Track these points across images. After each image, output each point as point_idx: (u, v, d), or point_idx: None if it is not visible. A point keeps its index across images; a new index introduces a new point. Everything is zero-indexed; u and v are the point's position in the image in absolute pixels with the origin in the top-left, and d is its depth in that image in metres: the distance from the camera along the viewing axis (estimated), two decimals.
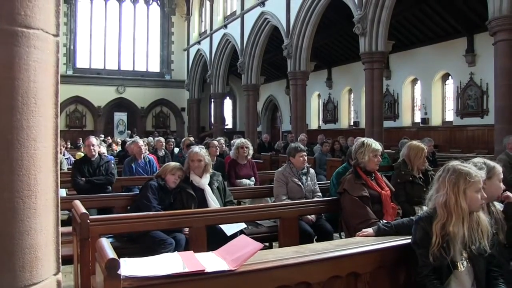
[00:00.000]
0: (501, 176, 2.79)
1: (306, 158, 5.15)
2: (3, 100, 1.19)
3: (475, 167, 2.50)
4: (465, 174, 2.36)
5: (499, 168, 2.81)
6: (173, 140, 12.48)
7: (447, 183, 2.39)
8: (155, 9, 29.26)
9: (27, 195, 1.24)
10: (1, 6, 1.16)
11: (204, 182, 4.51)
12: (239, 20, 20.61)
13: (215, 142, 7.57)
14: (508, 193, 2.95)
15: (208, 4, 25.20)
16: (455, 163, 2.47)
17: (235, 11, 21.77)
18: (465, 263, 2.33)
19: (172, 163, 4.87)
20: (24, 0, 1.20)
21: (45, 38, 1.28)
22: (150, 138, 14.70)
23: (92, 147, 6.18)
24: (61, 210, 1.43)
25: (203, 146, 5.08)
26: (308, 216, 4.71)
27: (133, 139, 8.68)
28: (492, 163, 2.80)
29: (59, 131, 1.36)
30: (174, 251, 3.67)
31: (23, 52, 1.22)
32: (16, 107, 1.21)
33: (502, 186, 2.80)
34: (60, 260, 1.37)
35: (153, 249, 3.90)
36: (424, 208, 2.66)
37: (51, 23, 1.30)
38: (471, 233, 2.34)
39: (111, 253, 1.94)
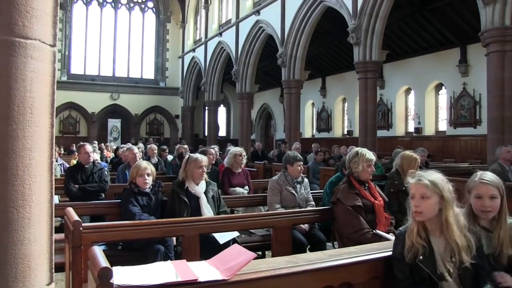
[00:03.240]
0: (476, 191, 2.58)
1: (302, 167, 5.17)
2: None
3: (423, 174, 2.45)
4: None
5: (473, 183, 2.62)
6: (166, 147, 12.39)
7: None
8: (151, 16, 29.32)
9: (21, 204, 1.24)
10: None
11: (200, 190, 4.49)
12: (234, 28, 20.67)
13: (212, 150, 7.55)
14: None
15: (203, 12, 25.27)
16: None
17: (230, 19, 21.84)
18: (451, 275, 2.32)
19: (137, 164, 4.67)
20: (22, 11, 1.21)
21: (42, 48, 1.29)
22: (141, 145, 14.70)
23: (90, 154, 6.17)
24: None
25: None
26: (302, 225, 4.71)
27: (128, 146, 8.66)
28: (472, 178, 2.64)
29: (54, 141, 1.36)
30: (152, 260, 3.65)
31: (20, 62, 1.22)
32: (12, 117, 1.22)
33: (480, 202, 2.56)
34: (53, 270, 1.37)
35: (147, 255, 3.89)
36: None
37: (48, 33, 1.31)
38: (451, 247, 2.32)
39: (103, 262, 1.94)
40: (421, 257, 2.32)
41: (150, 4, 29.30)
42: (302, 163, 5.16)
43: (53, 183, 1.38)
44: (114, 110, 27.73)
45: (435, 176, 2.42)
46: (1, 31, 1.18)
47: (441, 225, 2.37)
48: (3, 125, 1.20)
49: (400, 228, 2.57)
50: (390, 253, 2.59)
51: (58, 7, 1.34)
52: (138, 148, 8.29)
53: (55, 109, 1.37)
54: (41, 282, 1.32)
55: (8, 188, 1.21)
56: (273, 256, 4.09)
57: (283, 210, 4.69)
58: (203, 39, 24.88)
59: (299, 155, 5.29)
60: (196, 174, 4.50)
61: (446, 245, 2.35)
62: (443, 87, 16.82)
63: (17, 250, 1.23)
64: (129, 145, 10.11)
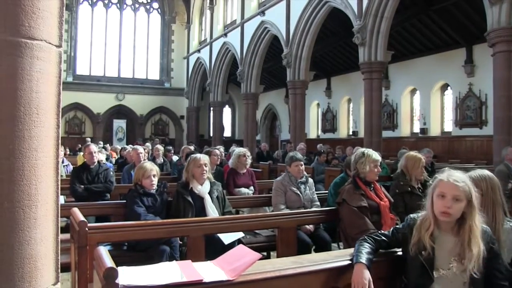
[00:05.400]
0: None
1: (302, 167, 5.14)
2: (5, 110, 1.20)
3: (460, 176, 2.34)
4: (436, 177, 2.39)
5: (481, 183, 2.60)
6: (171, 148, 12.40)
7: None
8: (156, 17, 29.38)
9: (27, 205, 1.24)
10: (5, 18, 1.18)
11: (205, 190, 4.49)
12: (239, 29, 20.69)
13: (217, 151, 7.54)
14: None
15: (208, 12, 25.31)
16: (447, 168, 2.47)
17: (235, 20, 21.86)
18: (452, 272, 2.29)
19: (143, 166, 4.63)
20: (28, 12, 1.21)
21: (48, 49, 1.29)
22: (148, 144, 14.73)
23: (94, 154, 6.19)
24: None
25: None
26: (307, 226, 4.70)
27: (135, 146, 8.66)
28: (479, 177, 2.62)
29: (60, 141, 1.37)
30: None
31: (26, 63, 1.23)
32: (18, 117, 1.22)
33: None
34: (59, 270, 1.37)
35: (151, 256, 3.90)
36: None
37: (54, 34, 1.31)
38: (458, 246, 2.29)
39: (109, 262, 1.94)
40: (423, 252, 2.32)
41: (155, 5, 29.37)
42: (301, 162, 5.13)
43: (59, 183, 1.39)
44: (119, 111, 27.80)
45: (465, 178, 2.34)
46: (7, 32, 1.19)
47: (455, 226, 2.33)
48: (9, 126, 1.21)
49: (411, 217, 2.51)
50: (394, 254, 2.59)
51: (64, 8, 1.35)
52: (144, 149, 8.29)
53: (61, 110, 1.38)
54: (47, 282, 1.32)
55: (15, 188, 1.22)
56: (278, 256, 4.09)
57: (288, 211, 4.68)
58: (208, 40, 24.91)
59: (298, 154, 5.28)
60: (196, 173, 4.51)
61: (456, 246, 2.32)
62: (449, 88, 16.74)
63: (24, 250, 1.24)
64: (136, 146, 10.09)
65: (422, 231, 2.35)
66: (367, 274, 2.29)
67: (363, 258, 2.35)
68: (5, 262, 1.20)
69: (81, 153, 11.11)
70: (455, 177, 2.31)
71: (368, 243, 2.50)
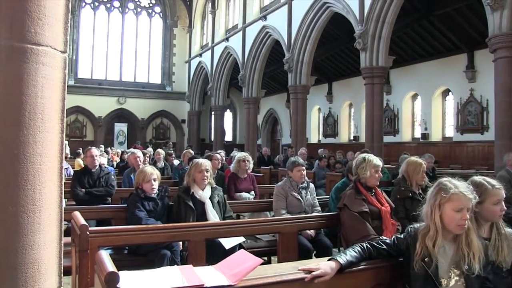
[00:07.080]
0: (497, 198, 2.50)
1: (304, 172, 5.14)
2: (10, 115, 1.21)
3: (466, 186, 2.37)
4: (443, 188, 2.37)
5: (493, 190, 2.53)
6: (172, 152, 12.40)
7: (429, 195, 2.45)
8: (158, 21, 29.46)
9: (31, 209, 1.25)
10: (12, 24, 1.19)
11: (206, 195, 4.49)
12: (240, 33, 20.73)
13: (218, 156, 7.54)
14: None
15: (210, 17, 25.39)
16: (445, 178, 2.46)
17: (237, 24, 21.90)
18: (453, 281, 2.31)
19: (143, 170, 4.61)
20: (34, 18, 1.22)
21: (53, 55, 1.30)
22: (150, 149, 14.75)
23: (95, 157, 6.18)
24: None
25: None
26: (308, 231, 4.70)
27: (133, 150, 8.65)
28: (487, 185, 2.55)
29: (64, 146, 1.38)
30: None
31: (31, 68, 1.24)
32: (23, 122, 1.23)
33: (499, 207, 2.50)
34: (62, 274, 1.38)
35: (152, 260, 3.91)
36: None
37: (59, 40, 1.32)
38: (463, 253, 2.32)
39: (110, 266, 1.95)
40: (427, 259, 2.33)
41: (157, 9, 29.46)
42: (303, 167, 5.13)
43: (63, 188, 1.39)
44: (120, 114, 27.84)
45: (469, 187, 2.40)
46: (14, 38, 1.20)
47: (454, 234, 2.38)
48: (14, 131, 1.22)
49: (415, 226, 2.53)
50: (394, 261, 2.59)
51: (70, 14, 1.36)
52: (145, 154, 8.27)
53: (65, 115, 1.39)
54: (50, 287, 1.33)
55: (19, 193, 1.23)
56: (278, 261, 4.08)
57: (289, 216, 4.68)
58: (209, 44, 24.97)
59: (299, 159, 5.28)
60: (198, 178, 4.51)
61: (453, 253, 2.35)
62: (450, 93, 16.74)
63: (27, 254, 1.25)
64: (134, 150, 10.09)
65: (427, 242, 2.35)
66: (329, 270, 2.30)
67: (342, 258, 2.38)
68: (9, 267, 1.21)
69: (79, 159, 11.12)
70: (465, 189, 2.34)
71: (361, 248, 2.51)
